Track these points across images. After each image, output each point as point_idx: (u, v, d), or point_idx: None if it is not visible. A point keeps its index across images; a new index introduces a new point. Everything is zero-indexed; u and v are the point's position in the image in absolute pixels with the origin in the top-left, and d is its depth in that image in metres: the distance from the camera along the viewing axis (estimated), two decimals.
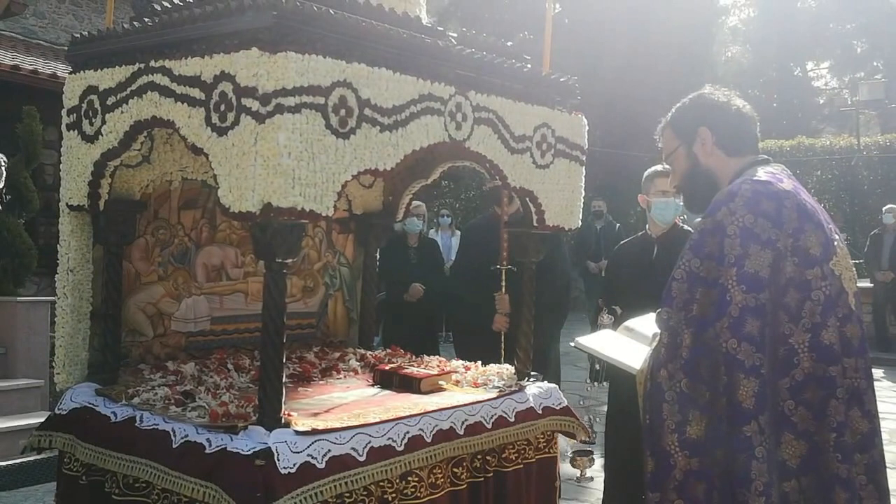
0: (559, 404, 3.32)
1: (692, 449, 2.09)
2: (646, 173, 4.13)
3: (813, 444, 2.08)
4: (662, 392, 2.13)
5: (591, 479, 5.03)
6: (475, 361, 3.67)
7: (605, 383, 3.72)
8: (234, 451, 2.37)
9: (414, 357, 3.80)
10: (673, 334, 2.15)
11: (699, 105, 2.42)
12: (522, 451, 3.14)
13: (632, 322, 2.67)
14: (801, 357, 2.07)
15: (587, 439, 3.50)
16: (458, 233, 12.41)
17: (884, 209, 12.15)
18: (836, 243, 2.19)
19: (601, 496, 4.36)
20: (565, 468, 4.55)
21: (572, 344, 2.75)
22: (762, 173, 2.23)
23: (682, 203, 3.84)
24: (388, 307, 6.95)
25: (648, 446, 2.16)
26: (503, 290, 4.22)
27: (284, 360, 2.51)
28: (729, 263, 2.08)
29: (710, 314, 2.09)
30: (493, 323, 4.46)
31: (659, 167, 3.92)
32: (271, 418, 2.44)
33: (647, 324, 2.31)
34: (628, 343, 2.58)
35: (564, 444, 3.42)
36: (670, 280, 2.19)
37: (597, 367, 3.37)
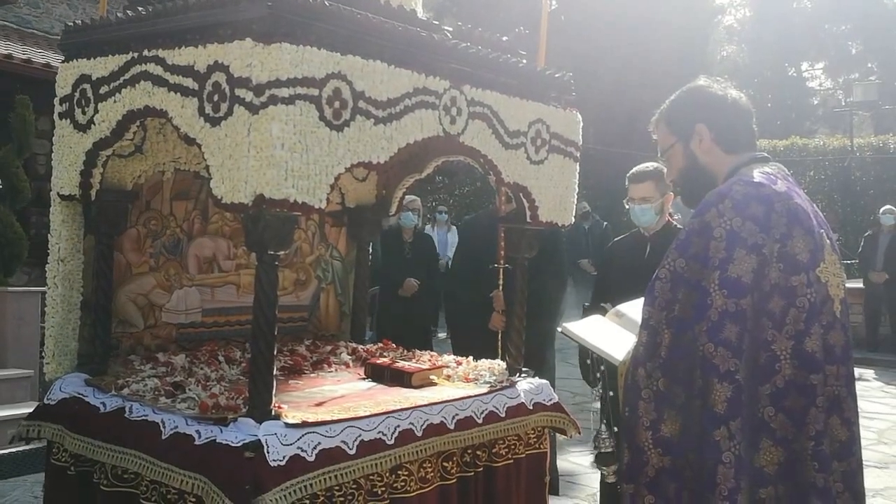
0: (550, 400, 3.32)
1: (665, 447, 2.09)
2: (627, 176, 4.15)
3: (790, 452, 2.07)
4: (639, 390, 2.13)
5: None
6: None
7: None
8: (224, 442, 2.36)
9: (405, 351, 3.80)
10: (652, 333, 2.14)
11: (696, 100, 2.38)
12: (513, 447, 3.14)
13: (623, 307, 2.66)
14: (782, 364, 2.06)
15: (578, 436, 3.50)
16: (455, 228, 12.43)
17: (882, 210, 12.05)
18: (825, 249, 2.16)
19: (593, 492, 4.36)
20: (561, 464, 4.55)
21: (559, 329, 2.74)
22: (756, 174, 2.20)
23: (655, 210, 3.87)
24: (382, 301, 6.96)
25: (626, 439, 2.17)
26: (500, 288, 4.22)
27: (275, 353, 2.50)
28: (713, 266, 2.07)
29: (691, 316, 2.08)
30: (489, 321, 4.45)
31: (635, 170, 3.95)
32: (261, 410, 2.43)
33: (637, 309, 2.29)
34: (616, 331, 2.57)
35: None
36: (654, 279, 2.18)
37: (595, 373, 3.35)
